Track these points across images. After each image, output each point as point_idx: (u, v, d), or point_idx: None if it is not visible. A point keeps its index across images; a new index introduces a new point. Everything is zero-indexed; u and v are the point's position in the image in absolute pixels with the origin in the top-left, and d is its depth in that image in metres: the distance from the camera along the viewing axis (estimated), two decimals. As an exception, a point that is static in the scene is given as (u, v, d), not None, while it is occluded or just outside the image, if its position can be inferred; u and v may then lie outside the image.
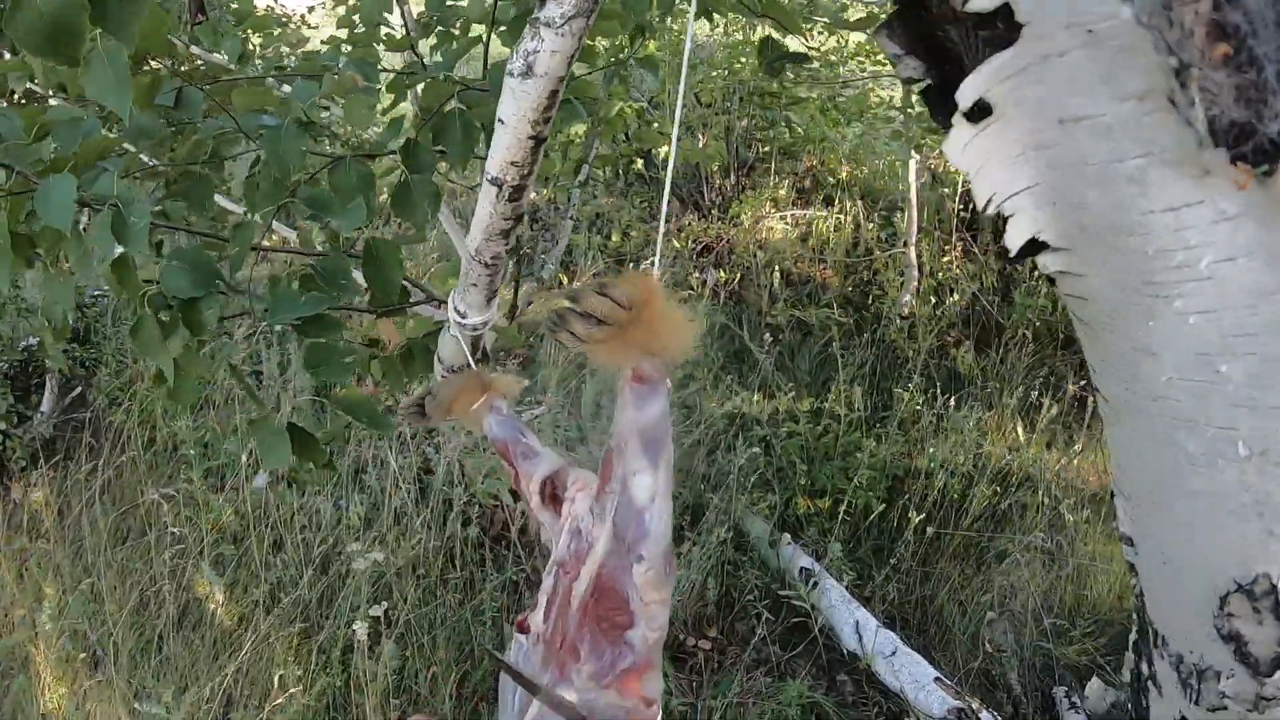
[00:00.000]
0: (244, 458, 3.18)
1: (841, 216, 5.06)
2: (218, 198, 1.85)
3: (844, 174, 5.21)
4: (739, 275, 4.88)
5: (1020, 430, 3.93)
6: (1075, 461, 3.76)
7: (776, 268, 4.89)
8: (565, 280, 4.67)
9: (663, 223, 0.94)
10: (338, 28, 2.13)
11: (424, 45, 1.88)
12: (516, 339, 1.88)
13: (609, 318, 0.78)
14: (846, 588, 3.14)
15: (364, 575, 2.78)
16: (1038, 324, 4.36)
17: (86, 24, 0.86)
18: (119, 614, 2.75)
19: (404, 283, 1.48)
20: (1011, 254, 0.61)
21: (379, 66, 1.66)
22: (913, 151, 4.12)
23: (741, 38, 4.68)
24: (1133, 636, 0.91)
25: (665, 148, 3.72)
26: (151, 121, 1.52)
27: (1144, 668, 0.81)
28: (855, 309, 4.88)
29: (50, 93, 1.65)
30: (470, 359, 1.45)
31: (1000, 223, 0.58)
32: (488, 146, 1.31)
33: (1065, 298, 0.64)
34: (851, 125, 4.83)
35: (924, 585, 3.35)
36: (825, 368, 4.55)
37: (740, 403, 4.13)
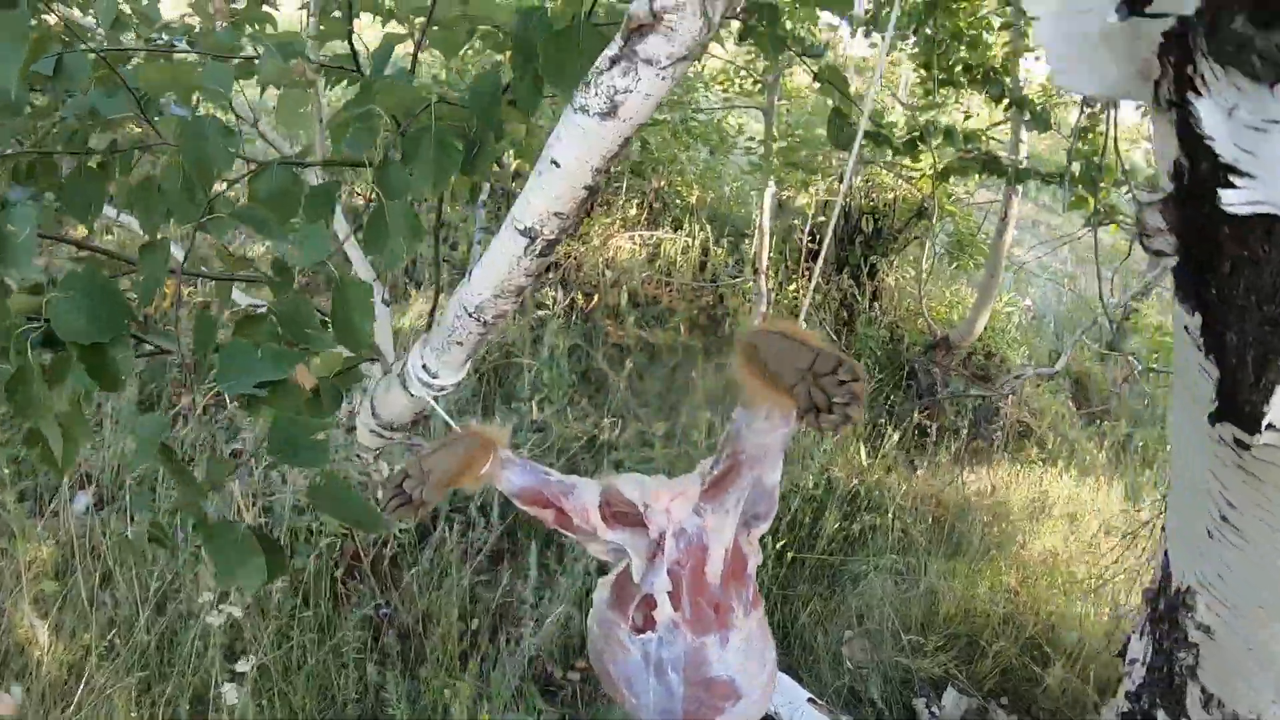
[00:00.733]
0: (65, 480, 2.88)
1: (690, 240, 5.26)
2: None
3: (693, 198, 5.42)
4: (594, 297, 4.95)
5: (864, 455, 4.24)
6: (918, 486, 4.11)
7: (625, 288, 5.00)
8: (414, 293, 4.56)
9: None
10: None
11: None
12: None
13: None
14: (712, 612, 3.26)
15: (214, 622, 2.59)
16: (879, 353, 4.72)
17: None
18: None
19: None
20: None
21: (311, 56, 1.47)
22: (770, 181, 4.37)
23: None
24: (1128, 692, 1.02)
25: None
26: (20, 92, 1.24)
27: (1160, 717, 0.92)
28: (703, 332, 5.08)
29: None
30: (452, 423, 1.34)
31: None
32: (465, 169, 1.23)
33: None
34: (701, 150, 5.05)
35: (784, 607, 3.54)
36: (674, 391, 4.71)
37: (591, 426, 4.21)
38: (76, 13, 1.73)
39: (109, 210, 1.68)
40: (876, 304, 4.95)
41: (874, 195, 4.86)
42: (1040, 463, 4.27)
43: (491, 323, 1.18)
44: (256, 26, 1.86)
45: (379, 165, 1.19)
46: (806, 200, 4.87)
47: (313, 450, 1.08)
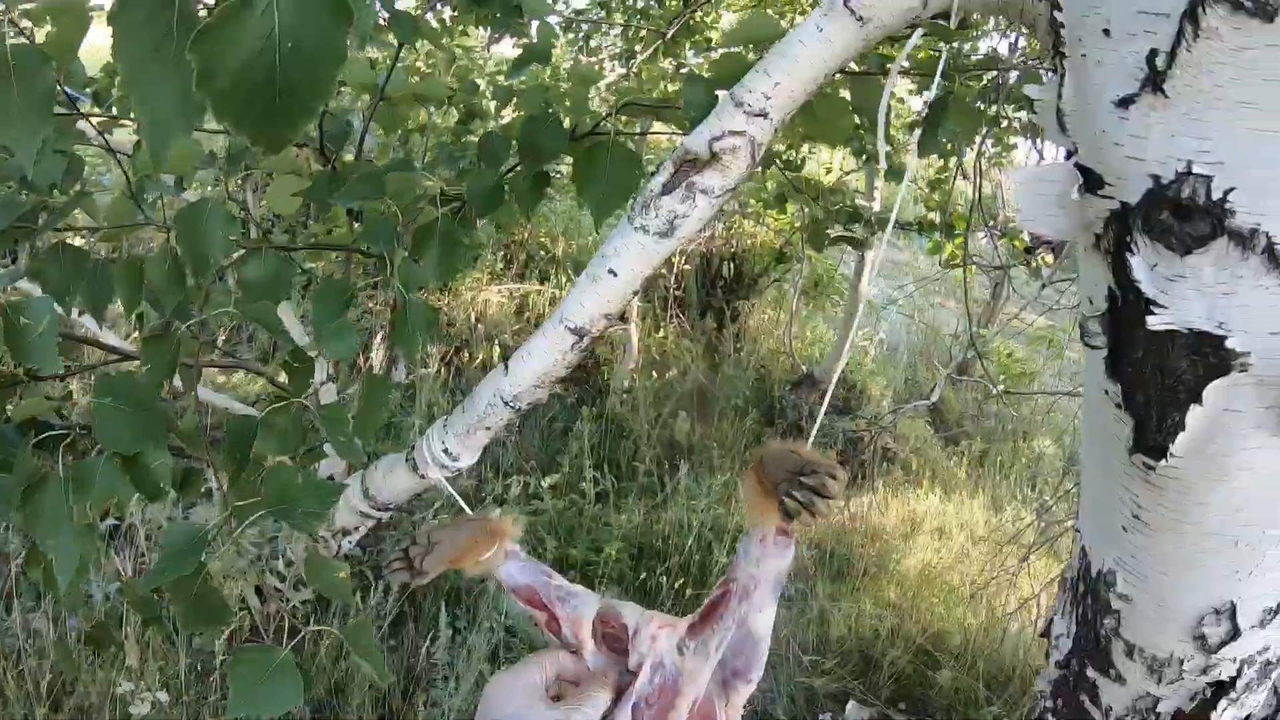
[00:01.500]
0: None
1: (557, 291, 5.49)
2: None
3: (559, 249, 5.66)
4: (466, 353, 5.09)
5: (740, 487, 4.55)
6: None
7: (496, 342, 5.18)
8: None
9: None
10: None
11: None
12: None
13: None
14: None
15: (139, 712, 2.57)
16: (748, 393, 5.07)
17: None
18: None
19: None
20: None
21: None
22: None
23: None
24: (1048, 678, 1.28)
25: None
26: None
27: (1090, 674, 1.19)
28: (576, 383, 5.31)
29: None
30: (466, 506, 1.31)
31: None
32: (461, 260, 1.38)
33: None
34: (564, 201, 5.30)
35: (687, 643, 3.78)
36: (554, 442, 4.90)
37: (476, 482, 4.35)
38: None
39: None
40: (740, 347, 5.31)
41: (733, 241, 5.25)
42: (907, 484, 4.71)
43: (524, 408, 1.24)
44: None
45: (403, 264, 1.26)
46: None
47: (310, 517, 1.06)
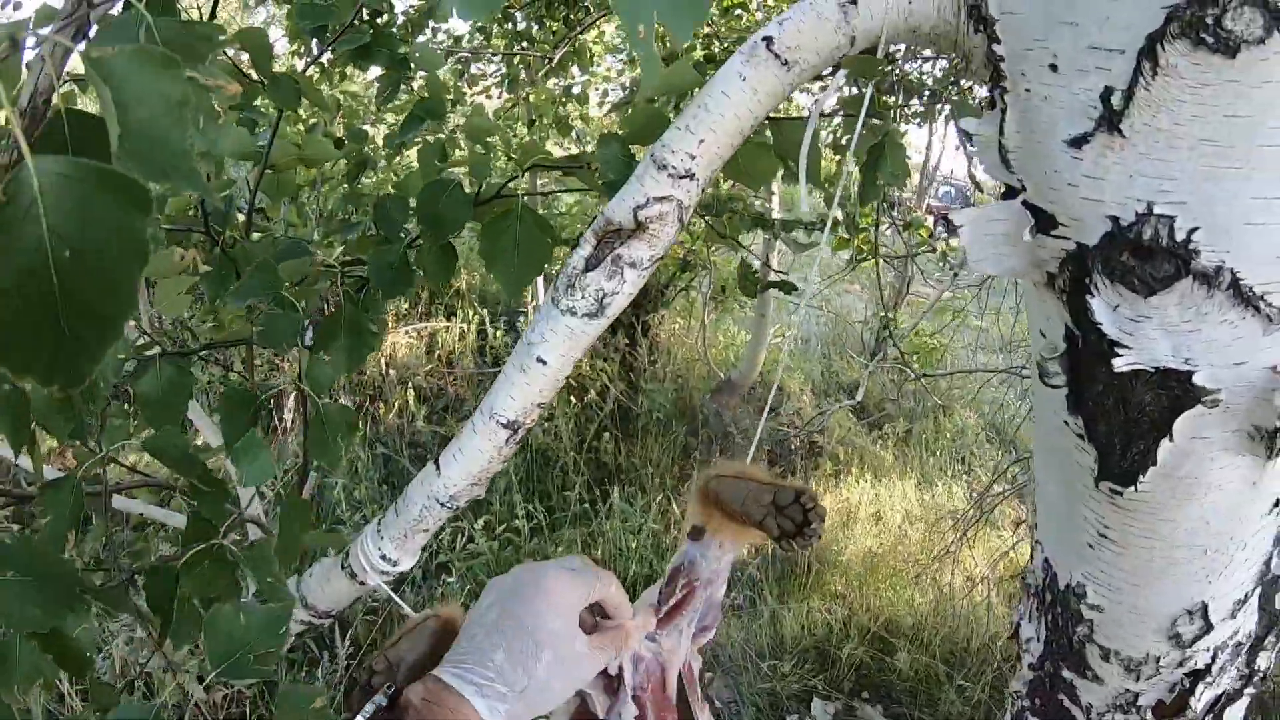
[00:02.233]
0: None
1: (465, 325, 5.39)
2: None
3: (462, 283, 5.55)
4: (380, 402, 4.95)
5: (676, 508, 4.54)
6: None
7: (410, 385, 5.05)
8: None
9: (764, 420, 1.19)
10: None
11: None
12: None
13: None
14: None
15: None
16: (668, 406, 5.05)
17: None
18: None
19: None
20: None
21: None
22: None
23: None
24: (1024, 679, 1.28)
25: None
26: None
27: (1066, 675, 1.19)
28: (495, 417, 5.21)
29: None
30: (407, 609, 1.31)
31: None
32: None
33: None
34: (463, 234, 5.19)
35: (644, 666, 3.74)
36: (482, 480, 4.80)
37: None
38: None
39: None
40: (655, 360, 5.29)
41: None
42: (837, 474, 4.75)
43: (460, 508, 1.17)
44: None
45: (309, 368, 1.19)
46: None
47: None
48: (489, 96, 3.56)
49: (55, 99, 0.46)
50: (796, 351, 6.02)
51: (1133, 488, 0.80)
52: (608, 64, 4.18)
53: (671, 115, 1.08)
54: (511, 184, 1.26)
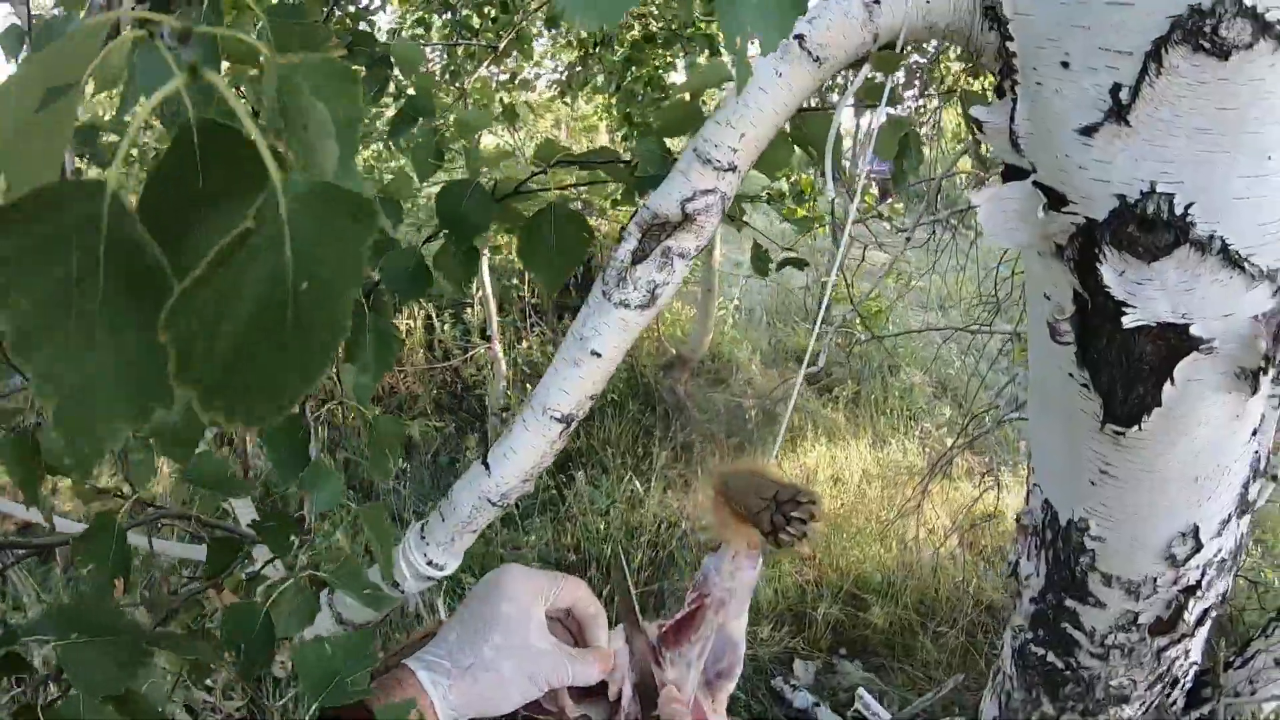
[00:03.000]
0: None
1: (411, 322, 5.39)
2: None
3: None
4: (333, 407, 4.93)
5: (639, 485, 4.64)
6: (700, 496, 4.57)
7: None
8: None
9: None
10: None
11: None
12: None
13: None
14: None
15: None
16: (622, 387, 5.14)
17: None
18: None
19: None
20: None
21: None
22: (485, 250, 4.63)
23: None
24: (1025, 612, 1.39)
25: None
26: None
27: (1069, 604, 1.31)
28: (450, 412, 5.24)
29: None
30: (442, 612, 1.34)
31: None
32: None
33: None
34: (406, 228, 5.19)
35: (624, 644, 3.84)
36: (443, 476, 4.84)
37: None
38: None
39: None
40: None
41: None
42: (792, 439, 4.90)
43: (510, 503, 1.17)
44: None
45: (349, 380, 1.20)
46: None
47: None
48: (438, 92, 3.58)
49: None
50: (742, 322, 6.16)
51: (1136, 427, 0.91)
52: (539, 47, 4.23)
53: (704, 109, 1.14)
54: (536, 179, 1.29)
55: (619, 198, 3.37)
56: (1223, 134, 0.67)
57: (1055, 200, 0.79)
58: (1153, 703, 1.41)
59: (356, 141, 0.47)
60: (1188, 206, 0.71)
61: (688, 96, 1.19)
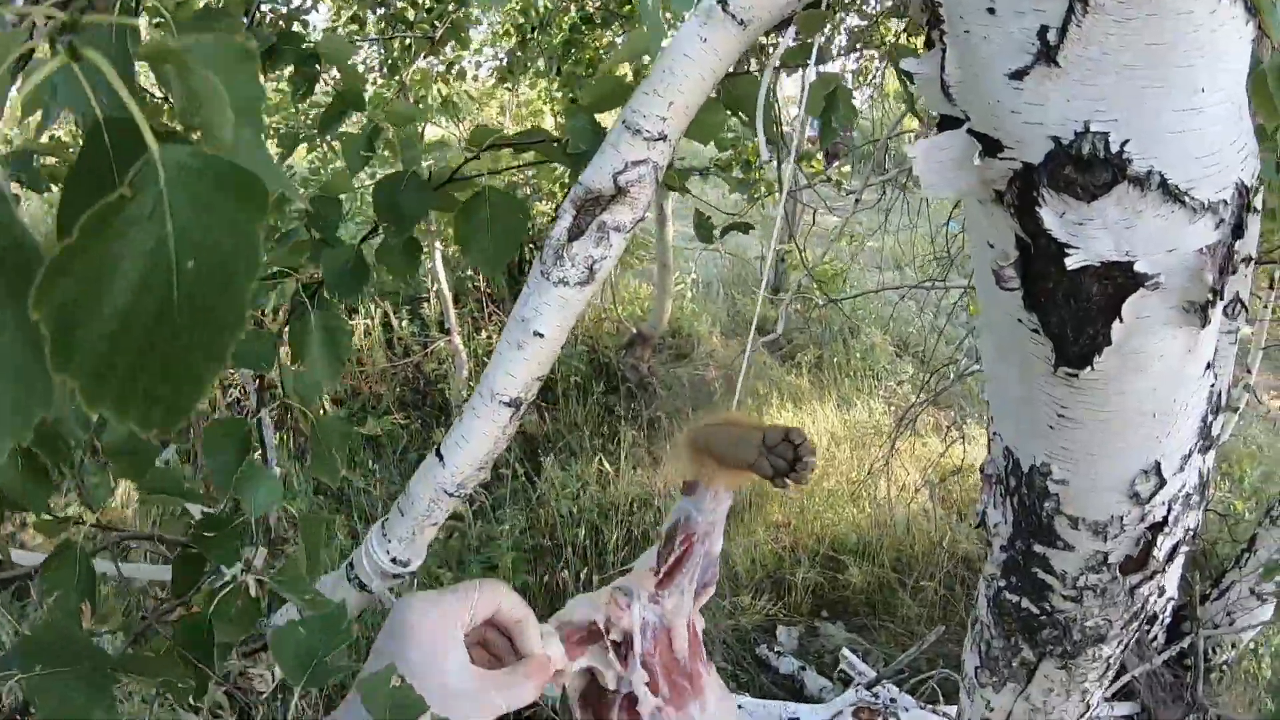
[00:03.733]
0: None
1: (369, 320, 5.33)
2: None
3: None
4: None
5: (606, 464, 4.63)
6: (669, 471, 4.58)
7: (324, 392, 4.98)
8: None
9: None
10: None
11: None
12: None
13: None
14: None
15: None
16: (584, 368, 5.12)
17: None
18: None
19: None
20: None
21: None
22: (438, 242, 4.58)
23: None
24: (997, 561, 1.40)
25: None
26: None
27: (1038, 549, 1.32)
28: (415, 409, 5.20)
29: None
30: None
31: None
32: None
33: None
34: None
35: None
36: (412, 471, 4.79)
37: (354, 541, 4.22)
38: None
39: None
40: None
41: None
42: (757, 407, 4.91)
43: (468, 492, 1.17)
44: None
45: (295, 380, 1.19)
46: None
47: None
48: (367, 83, 3.53)
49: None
50: (700, 295, 6.16)
51: (1088, 368, 0.91)
52: (476, 35, 4.18)
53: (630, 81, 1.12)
54: (473, 166, 1.27)
55: (566, 180, 3.35)
56: (1153, 69, 0.67)
57: (990, 146, 0.79)
58: (1130, 640, 1.43)
59: (261, 122, 0.46)
60: (1123, 144, 0.70)
61: (616, 70, 1.17)
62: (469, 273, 5.37)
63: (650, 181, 0.97)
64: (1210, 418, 1.15)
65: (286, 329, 1.28)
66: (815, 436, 4.61)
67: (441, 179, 1.25)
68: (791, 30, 0.86)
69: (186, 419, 0.36)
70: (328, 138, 1.57)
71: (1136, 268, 0.78)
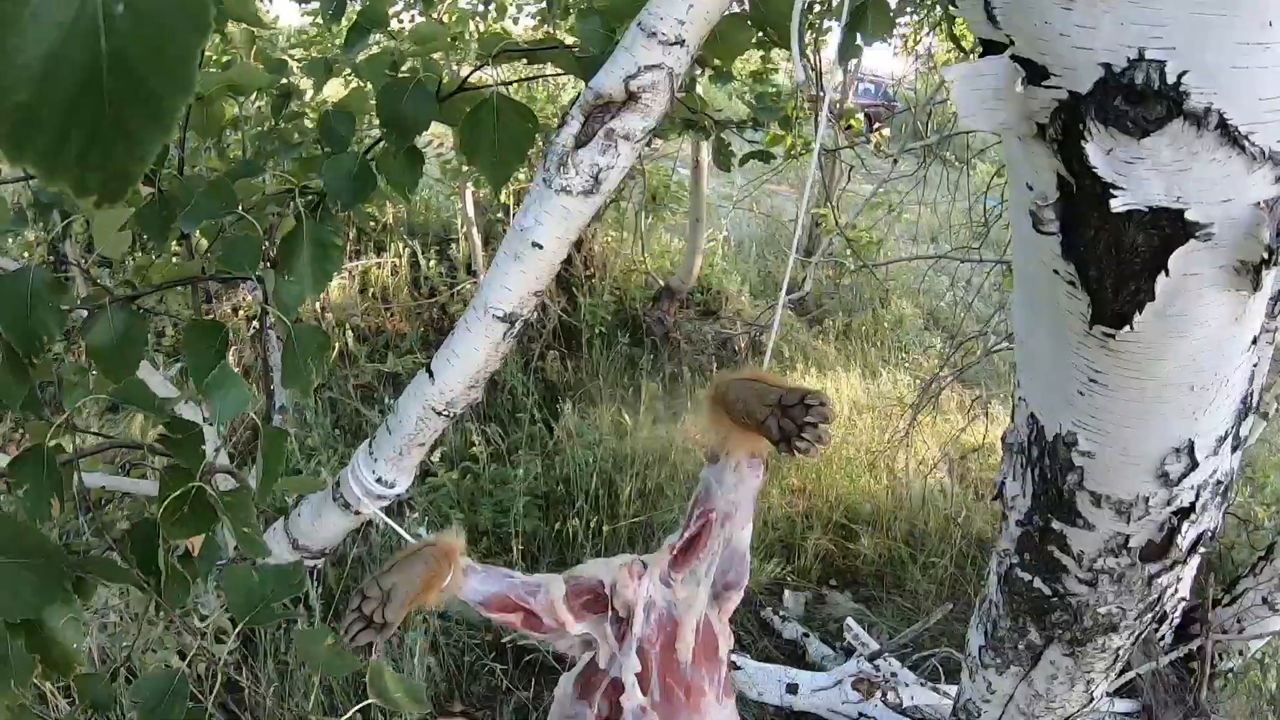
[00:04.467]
0: None
1: (397, 260, 5.29)
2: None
3: (389, 216, 5.43)
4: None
5: (626, 418, 4.58)
6: (687, 428, 4.53)
7: (347, 327, 4.97)
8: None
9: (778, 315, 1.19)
10: None
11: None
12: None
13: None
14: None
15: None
16: (609, 318, 5.06)
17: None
18: None
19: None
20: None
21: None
22: (469, 184, 4.52)
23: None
24: (1011, 536, 1.33)
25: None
26: None
27: (1056, 526, 1.25)
28: (436, 348, 5.17)
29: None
30: (405, 535, 1.28)
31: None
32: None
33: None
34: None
35: (611, 575, 3.82)
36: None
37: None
38: None
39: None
40: (592, 274, 5.28)
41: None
42: (782, 371, 4.84)
43: (457, 415, 1.13)
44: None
45: (277, 285, 1.14)
46: (505, 192, 5.07)
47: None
48: (400, 21, 3.45)
49: None
50: (731, 254, 6.06)
51: (1127, 328, 0.84)
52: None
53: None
54: (479, 75, 1.21)
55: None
56: (1216, -5, 0.59)
57: (1035, 74, 0.71)
58: (1141, 634, 1.36)
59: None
60: (1180, 75, 0.63)
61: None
62: (499, 215, 5.31)
63: (665, 89, 0.91)
64: (1251, 399, 1.08)
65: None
66: (838, 404, 4.54)
67: (452, 89, 1.19)
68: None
69: (125, 192, 0.33)
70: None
71: (1188, 215, 0.71)
